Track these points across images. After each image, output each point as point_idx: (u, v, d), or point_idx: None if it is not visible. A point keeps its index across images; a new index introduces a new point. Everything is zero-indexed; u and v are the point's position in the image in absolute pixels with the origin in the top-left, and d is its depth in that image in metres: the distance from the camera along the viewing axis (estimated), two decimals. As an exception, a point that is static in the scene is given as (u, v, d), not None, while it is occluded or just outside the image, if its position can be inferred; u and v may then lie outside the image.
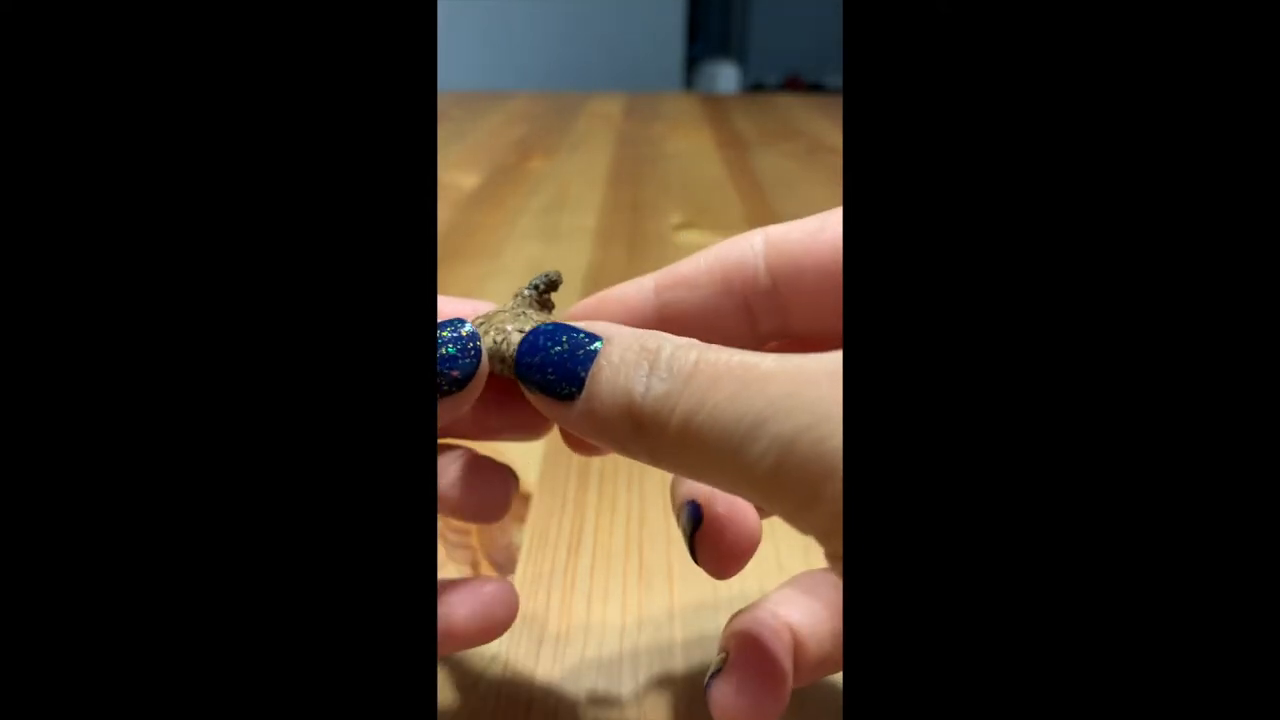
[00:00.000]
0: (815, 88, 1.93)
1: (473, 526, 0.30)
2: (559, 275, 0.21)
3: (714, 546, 0.20)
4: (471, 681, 0.23)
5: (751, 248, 0.19)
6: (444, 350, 0.17)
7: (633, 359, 0.15)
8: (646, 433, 0.15)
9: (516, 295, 0.21)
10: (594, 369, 0.16)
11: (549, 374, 0.16)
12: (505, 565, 0.28)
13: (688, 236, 0.64)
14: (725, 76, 1.94)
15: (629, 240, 0.62)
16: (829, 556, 0.14)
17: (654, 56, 1.89)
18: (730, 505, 0.20)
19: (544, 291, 0.21)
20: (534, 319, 0.19)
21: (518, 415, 0.19)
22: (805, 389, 0.13)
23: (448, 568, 0.28)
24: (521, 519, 0.30)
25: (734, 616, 0.21)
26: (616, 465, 0.34)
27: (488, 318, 0.19)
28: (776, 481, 0.13)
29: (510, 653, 0.24)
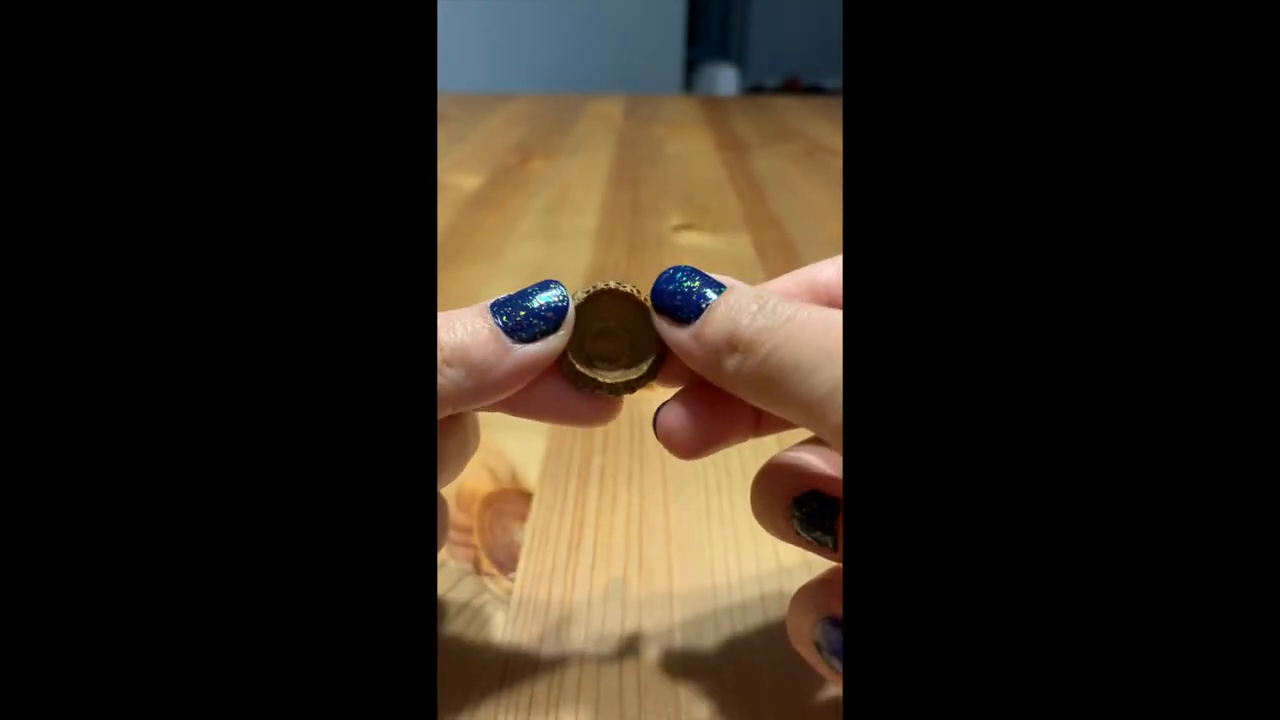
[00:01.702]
0: (814, 90, 1.93)
1: (473, 525, 0.30)
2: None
3: (677, 417, 0.22)
4: (471, 679, 0.23)
5: (836, 267, 0.23)
6: (539, 298, 0.20)
7: (745, 301, 0.19)
8: (737, 352, 0.19)
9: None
10: (714, 302, 0.20)
11: (678, 299, 0.20)
12: (506, 563, 0.28)
13: (687, 238, 0.64)
14: (725, 79, 1.94)
15: (629, 241, 0.63)
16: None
17: (654, 59, 1.89)
18: (701, 386, 0.22)
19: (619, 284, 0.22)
20: (598, 288, 0.21)
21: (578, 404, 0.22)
22: None
23: (448, 566, 0.28)
24: (522, 517, 0.31)
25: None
26: (617, 464, 0.34)
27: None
28: (829, 403, 0.16)
29: (510, 651, 0.25)
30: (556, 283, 0.21)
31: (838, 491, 0.21)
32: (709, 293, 0.20)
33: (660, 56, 1.91)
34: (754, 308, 0.19)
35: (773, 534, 0.22)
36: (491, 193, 0.75)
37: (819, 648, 0.20)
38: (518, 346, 0.20)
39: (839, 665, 0.19)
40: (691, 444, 0.21)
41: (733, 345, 0.19)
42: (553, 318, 0.20)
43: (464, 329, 0.19)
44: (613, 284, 0.21)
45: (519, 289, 0.21)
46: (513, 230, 0.64)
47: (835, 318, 0.18)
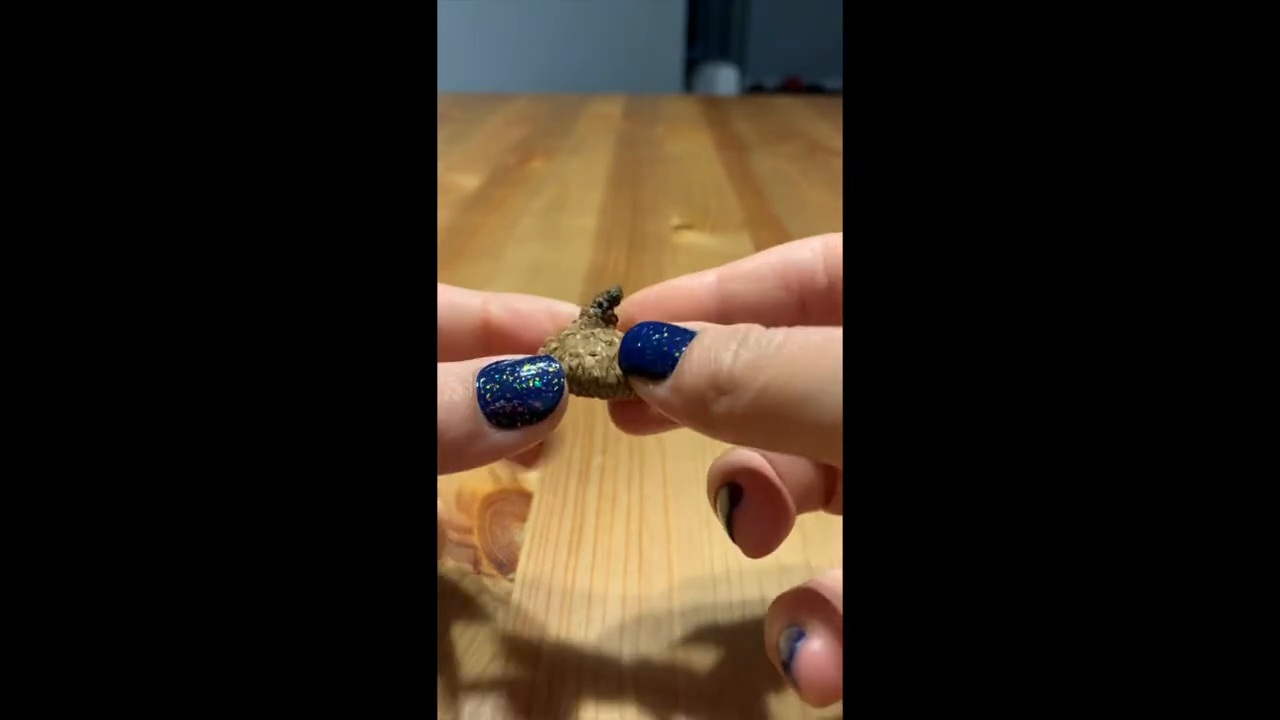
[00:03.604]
0: (814, 90, 1.93)
1: (473, 525, 0.30)
2: (620, 290, 0.22)
3: (750, 524, 0.21)
4: (472, 680, 0.23)
5: (811, 250, 0.21)
6: (531, 383, 0.19)
7: (723, 339, 0.18)
8: (724, 394, 0.17)
9: (582, 314, 0.21)
10: (687, 349, 0.18)
11: (647, 355, 0.19)
12: (506, 563, 0.28)
13: (687, 238, 0.64)
14: (725, 78, 1.94)
15: (629, 241, 0.63)
16: None
17: (654, 58, 1.89)
18: (768, 488, 0.22)
19: (608, 308, 0.21)
20: (603, 339, 0.20)
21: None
22: None
23: (448, 566, 0.28)
24: (522, 518, 0.31)
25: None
26: (617, 464, 0.34)
27: (560, 342, 0.20)
28: (838, 431, 0.15)
29: (510, 651, 0.25)
30: (558, 371, 0.19)
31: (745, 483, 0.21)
32: (679, 338, 0.18)
33: (660, 56, 1.91)
34: (733, 345, 0.17)
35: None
36: (491, 193, 0.75)
37: (780, 653, 0.20)
38: (492, 432, 0.18)
39: (794, 676, 0.19)
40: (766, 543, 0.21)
41: (718, 388, 0.17)
42: (539, 409, 0.19)
43: (442, 400, 0.18)
44: (595, 310, 0.21)
45: (513, 360, 0.19)
46: (512, 230, 0.64)
47: (828, 336, 0.16)
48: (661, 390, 0.18)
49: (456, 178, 0.80)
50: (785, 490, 0.22)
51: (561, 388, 0.19)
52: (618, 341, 0.20)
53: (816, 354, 0.16)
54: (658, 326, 0.19)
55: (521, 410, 0.18)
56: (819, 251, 0.21)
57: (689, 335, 0.18)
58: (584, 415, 0.37)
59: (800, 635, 0.19)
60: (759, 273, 0.21)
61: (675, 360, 0.18)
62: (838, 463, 0.16)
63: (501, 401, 0.18)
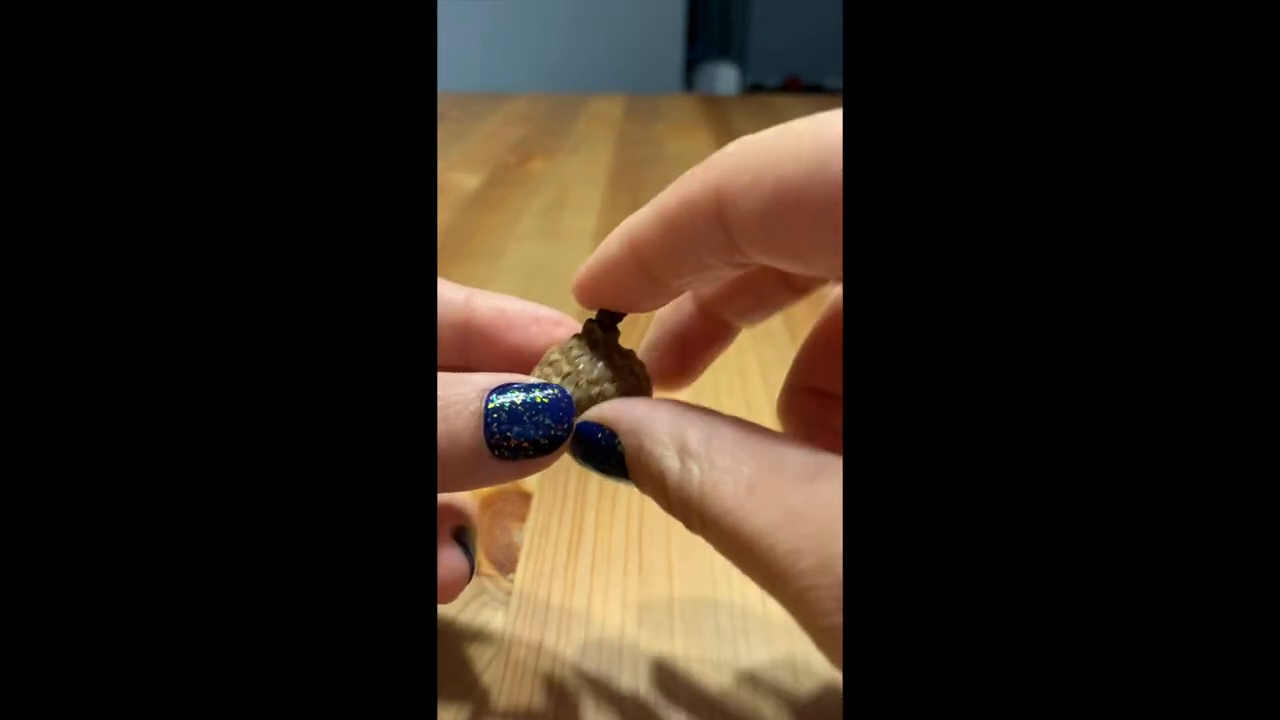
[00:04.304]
0: (815, 89, 1.93)
1: (473, 526, 0.30)
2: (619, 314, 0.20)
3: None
4: (471, 680, 0.23)
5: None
6: (542, 419, 0.17)
7: (656, 453, 0.16)
8: (691, 519, 0.16)
9: (587, 331, 0.20)
10: (624, 453, 0.17)
11: (594, 458, 0.18)
12: (506, 564, 0.28)
13: (687, 237, 0.63)
14: (725, 78, 1.94)
15: (629, 241, 0.62)
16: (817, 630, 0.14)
17: (654, 58, 1.89)
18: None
19: (609, 326, 0.20)
20: (619, 363, 0.19)
21: None
22: (812, 513, 0.14)
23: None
24: (522, 518, 0.31)
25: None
26: (616, 465, 0.34)
27: (571, 363, 0.19)
28: (804, 579, 0.14)
29: (510, 651, 0.24)
30: (570, 406, 0.18)
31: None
32: (614, 457, 0.17)
33: (660, 55, 1.90)
34: (674, 465, 0.16)
35: None
36: (491, 192, 0.75)
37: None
38: (493, 461, 0.17)
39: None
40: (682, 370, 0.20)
41: (679, 515, 0.16)
42: (545, 446, 0.17)
43: (445, 424, 0.17)
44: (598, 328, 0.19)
45: (525, 386, 0.18)
46: (512, 230, 0.64)
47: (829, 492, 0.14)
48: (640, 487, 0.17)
49: (456, 177, 0.80)
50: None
51: (570, 425, 0.18)
52: (635, 371, 0.19)
53: (738, 491, 0.15)
54: (587, 441, 0.17)
55: (527, 446, 0.17)
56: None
57: (617, 448, 0.17)
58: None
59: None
60: (618, 260, 0.19)
61: (619, 455, 0.17)
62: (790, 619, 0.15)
63: (510, 431, 0.17)
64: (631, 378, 0.19)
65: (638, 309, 0.19)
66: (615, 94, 1.42)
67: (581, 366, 0.19)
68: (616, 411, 0.17)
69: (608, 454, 0.17)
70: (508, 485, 0.32)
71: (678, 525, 0.28)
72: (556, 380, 0.19)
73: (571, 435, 0.18)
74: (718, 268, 0.18)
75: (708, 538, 0.16)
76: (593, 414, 0.18)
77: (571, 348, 0.19)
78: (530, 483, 0.33)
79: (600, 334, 0.20)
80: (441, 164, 0.86)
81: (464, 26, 1.78)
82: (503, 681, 0.23)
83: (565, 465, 0.34)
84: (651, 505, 0.31)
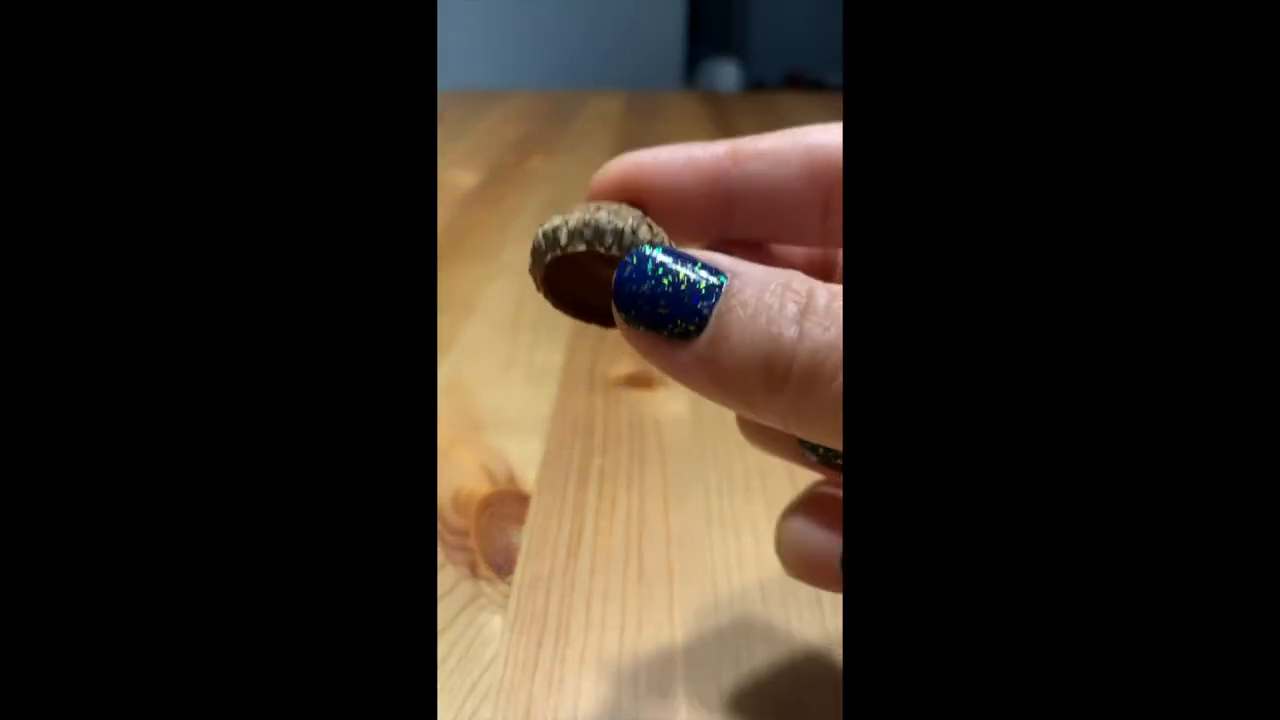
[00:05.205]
0: (816, 86, 1.93)
1: (470, 528, 0.30)
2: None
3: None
4: (471, 683, 0.23)
5: (829, 132, 0.17)
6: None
7: (775, 300, 0.13)
8: (790, 387, 0.13)
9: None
10: (721, 306, 0.13)
11: (660, 306, 0.14)
12: (504, 566, 0.28)
13: (688, 235, 0.63)
14: (726, 74, 1.93)
15: (629, 239, 0.62)
16: None
17: (654, 55, 1.89)
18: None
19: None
20: (645, 226, 0.15)
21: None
22: None
23: (446, 569, 0.28)
24: (520, 520, 0.30)
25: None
26: (616, 465, 0.34)
27: (588, 211, 0.16)
28: None
29: (510, 654, 0.24)
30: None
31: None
32: (703, 286, 0.14)
33: (661, 52, 1.90)
34: (792, 313, 0.13)
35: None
36: (490, 190, 0.75)
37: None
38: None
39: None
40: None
41: (776, 377, 0.13)
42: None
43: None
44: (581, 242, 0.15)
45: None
46: (511, 229, 0.64)
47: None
48: (685, 359, 0.14)
49: (455, 175, 0.80)
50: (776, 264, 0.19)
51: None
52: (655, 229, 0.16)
53: None
54: (668, 260, 0.14)
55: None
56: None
57: (716, 279, 0.14)
58: (583, 416, 0.37)
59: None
60: (782, 155, 0.17)
61: (704, 316, 0.13)
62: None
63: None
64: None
65: (680, 225, 0.17)
66: (616, 91, 1.42)
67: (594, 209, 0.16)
68: (723, 257, 0.14)
69: (696, 286, 0.14)
70: (505, 487, 0.32)
71: (677, 526, 0.28)
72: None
73: (619, 271, 0.14)
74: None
75: (836, 409, 0.13)
76: (694, 252, 0.14)
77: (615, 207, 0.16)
78: (528, 484, 0.32)
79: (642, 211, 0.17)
80: (441, 161, 0.85)
81: (464, 23, 1.78)
82: (502, 683, 0.23)
83: (564, 468, 0.34)
84: (651, 505, 0.31)
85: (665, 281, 0.14)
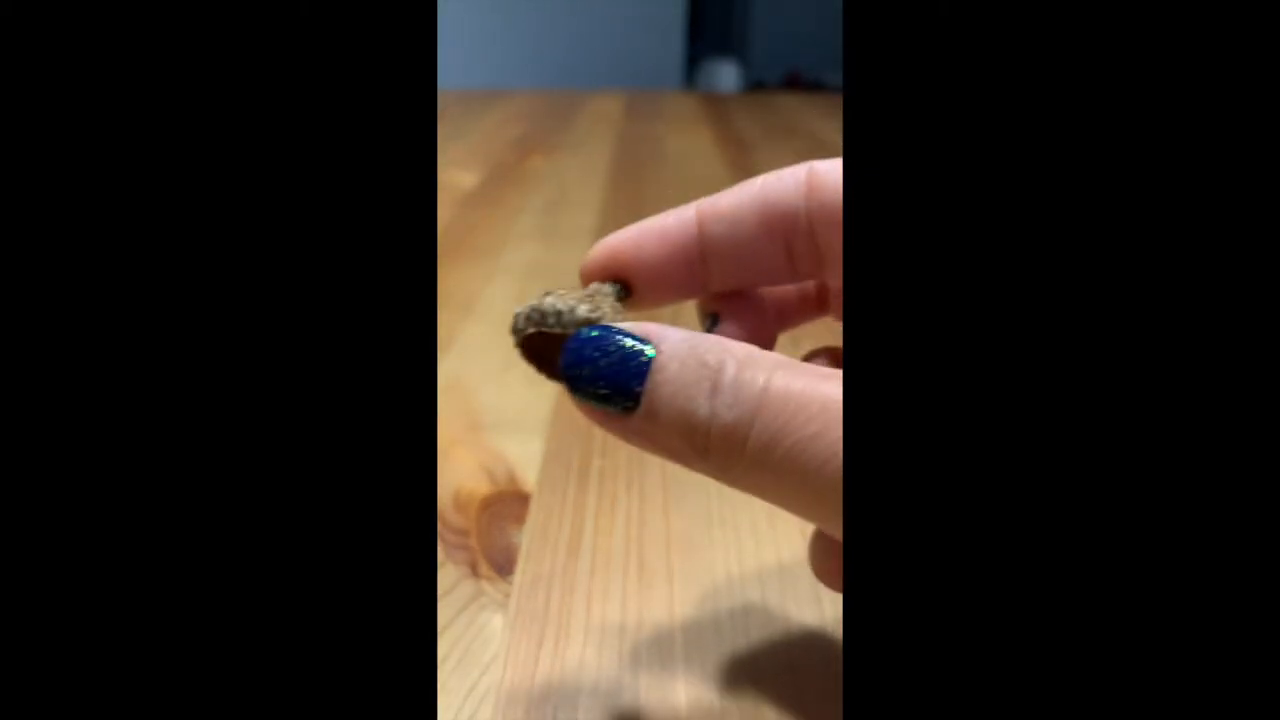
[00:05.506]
0: (816, 86, 1.93)
1: (471, 528, 0.30)
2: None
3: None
4: (471, 683, 0.23)
5: (795, 185, 0.19)
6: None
7: (692, 376, 0.15)
8: (713, 457, 0.15)
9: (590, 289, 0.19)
10: (650, 384, 0.15)
11: (600, 387, 0.16)
12: (504, 566, 0.28)
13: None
14: (726, 75, 1.93)
15: (629, 239, 0.62)
16: None
17: (654, 55, 1.89)
18: (744, 309, 0.20)
19: (620, 297, 0.19)
20: (603, 305, 0.17)
21: None
22: None
23: (447, 568, 0.28)
24: (520, 520, 0.30)
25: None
26: (616, 466, 0.34)
27: (561, 299, 0.18)
28: (836, 495, 0.14)
29: (510, 654, 0.24)
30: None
31: None
32: (634, 365, 0.15)
33: (661, 52, 1.90)
34: (706, 390, 0.14)
35: None
36: (490, 191, 0.75)
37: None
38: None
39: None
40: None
41: (697, 448, 0.15)
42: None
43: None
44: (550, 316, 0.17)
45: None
46: (511, 229, 0.64)
47: (827, 392, 0.14)
48: (627, 428, 0.16)
49: (455, 175, 0.80)
50: (765, 306, 0.20)
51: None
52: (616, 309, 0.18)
53: (811, 426, 0.14)
54: (602, 343, 0.16)
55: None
56: (801, 189, 0.19)
57: (645, 357, 0.15)
58: (583, 416, 0.37)
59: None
60: (739, 214, 0.19)
61: (638, 395, 0.15)
62: (835, 531, 0.14)
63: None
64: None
65: (666, 291, 0.19)
66: (615, 91, 1.41)
67: (563, 292, 0.18)
68: (651, 327, 0.16)
69: (628, 364, 0.15)
70: (505, 487, 0.32)
71: (677, 526, 0.28)
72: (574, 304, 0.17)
73: (581, 344, 0.16)
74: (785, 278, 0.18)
75: (750, 474, 0.15)
76: (626, 326, 0.16)
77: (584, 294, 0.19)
78: (528, 484, 0.32)
79: (619, 293, 0.19)
80: (441, 162, 0.85)
81: (464, 23, 1.78)
82: (502, 683, 0.23)
83: (564, 469, 0.34)
84: (651, 505, 0.31)
85: (601, 363, 0.16)
